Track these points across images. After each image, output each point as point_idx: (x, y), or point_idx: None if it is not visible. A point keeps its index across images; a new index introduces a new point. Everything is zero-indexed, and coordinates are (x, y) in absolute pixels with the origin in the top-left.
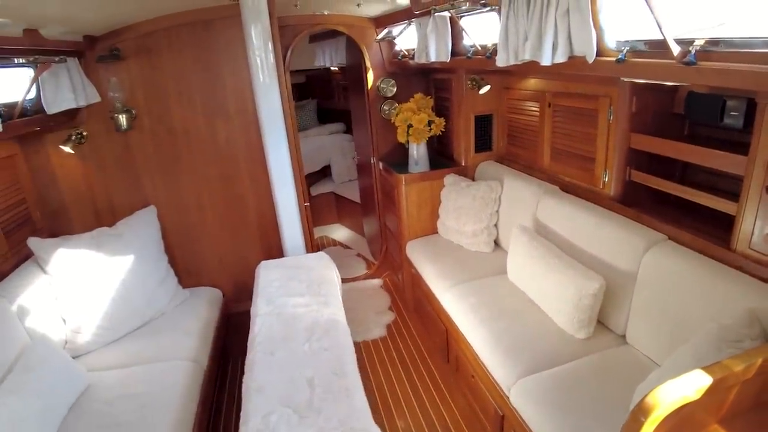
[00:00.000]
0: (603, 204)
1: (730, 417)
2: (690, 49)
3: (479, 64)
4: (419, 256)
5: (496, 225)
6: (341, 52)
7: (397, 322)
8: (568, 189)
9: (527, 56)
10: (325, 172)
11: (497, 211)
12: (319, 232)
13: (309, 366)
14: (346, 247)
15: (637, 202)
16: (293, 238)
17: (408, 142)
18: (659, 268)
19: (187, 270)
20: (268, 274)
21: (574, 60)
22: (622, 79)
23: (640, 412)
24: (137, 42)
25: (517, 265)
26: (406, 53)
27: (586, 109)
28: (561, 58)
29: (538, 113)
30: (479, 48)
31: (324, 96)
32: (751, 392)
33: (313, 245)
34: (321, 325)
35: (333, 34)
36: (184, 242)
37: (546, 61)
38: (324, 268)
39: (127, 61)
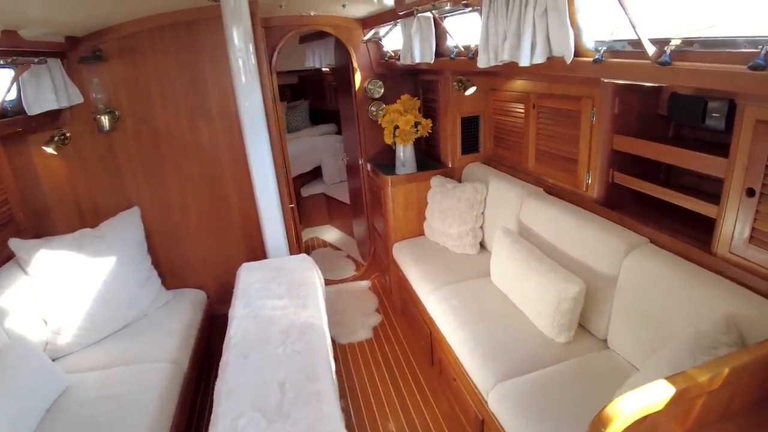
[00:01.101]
0: (586, 206)
1: (697, 428)
2: (665, 49)
3: (463, 66)
4: (405, 258)
5: (481, 227)
6: (330, 53)
7: (383, 324)
8: (552, 191)
9: (506, 57)
10: (316, 173)
11: (483, 213)
12: (310, 233)
13: (282, 369)
14: (336, 248)
15: (620, 205)
16: (276, 240)
17: (395, 143)
18: (640, 271)
19: (171, 271)
20: (248, 276)
21: (552, 60)
22: (603, 80)
23: (600, 422)
24: (120, 43)
25: (500, 267)
26: (393, 54)
27: (569, 110)
28: (539, 58)
29: (523, 115)
30: (462, 49)
31: (316, 97)
32: (719, 402)
33: (300, 246)
34: (297, 327)
35: (322, 35)
36: (167, 243)
37: (524, 61)
38: (305, 270)
39: (109, 62)
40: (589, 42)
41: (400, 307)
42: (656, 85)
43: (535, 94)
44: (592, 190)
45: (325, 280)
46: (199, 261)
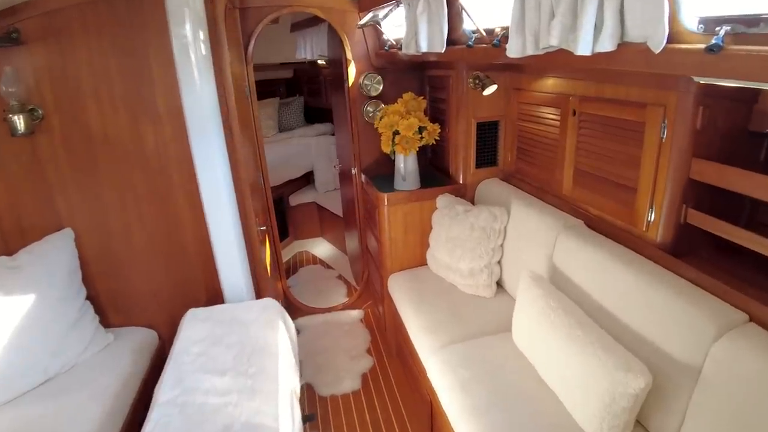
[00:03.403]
0: (645, 252)
1: None
2: None
3: (483, 56)
4: (402, 296)
5: (499, 262)
6: (323, 42)
7: (375, 370)
8: (595, 225)
9: (554, 42)
10: (308, 178)
11: (501, 246)
12: (299, 246)
13: None
14: (327, 266)
15: (690, 253)
16: (233, 277)
17: (394, 152)
18: (738, 364)
19: (114, 306)
20: (190, 331)
21: (626, 48)
22: (695, 79)
23: None
24: (42, 21)
25: (526, 327)
26: (395, 43)
27: (628, 120)
28: (607, 44)
29: (558, 123)
30: (483, 34)
31: (312, 92)
32: None
33: (280, 273)
34: None
35: (316, 20)
36: (109, 273)
37: (584, 49)
38: (266, 326)
39: (29, 45)
40: (690, 21)
41: (396, 349)
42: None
43: (577, 96)
44: (655, 231)
45: (310, 308)
46: (148, 294)
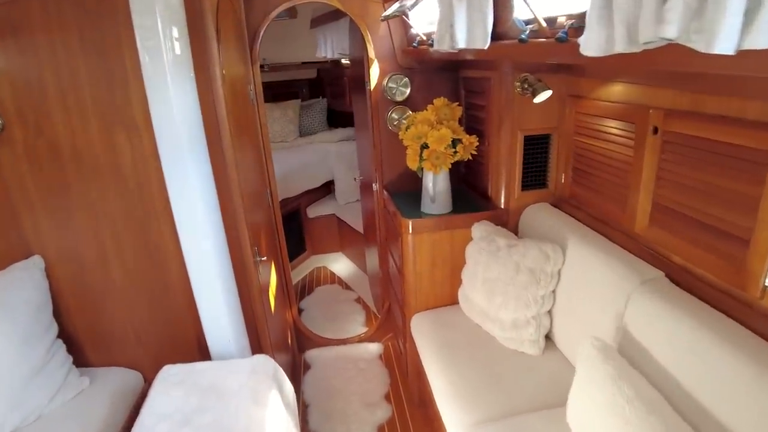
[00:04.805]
0: (758, 328)
1: None
2: None
3: (541, 53)
4: (427, 345)
5: (550, 312)
6: (344, 39)
7: (393, 422)
8: (678, 278)
9: (671, 33)
10: (329, 187)
11: (553, 292)
12: (317, 261)
13: None
14: (346, 286)
15: None
16: (218, 326)
17: (421, 169)
18: None
19: (93, 344)
20: (159, 400)
21: None
22: None
23: None
24: None
25: (587, 414)
26: (425, 38)
27: (742, 147)
28: (762, 38)
29: (632, 141)
30: (544, 25)
31: (335, 95)
32: None
33: (289, 300)
34: None
35: (337, 15)
36: (86, 306)
37: (724, 44)
38: (252, 399)
39: None
40: None
41: (418, 397)
42: None
43: (661, 109)
44: None
45: (323, 339)
46: (131, 333)
